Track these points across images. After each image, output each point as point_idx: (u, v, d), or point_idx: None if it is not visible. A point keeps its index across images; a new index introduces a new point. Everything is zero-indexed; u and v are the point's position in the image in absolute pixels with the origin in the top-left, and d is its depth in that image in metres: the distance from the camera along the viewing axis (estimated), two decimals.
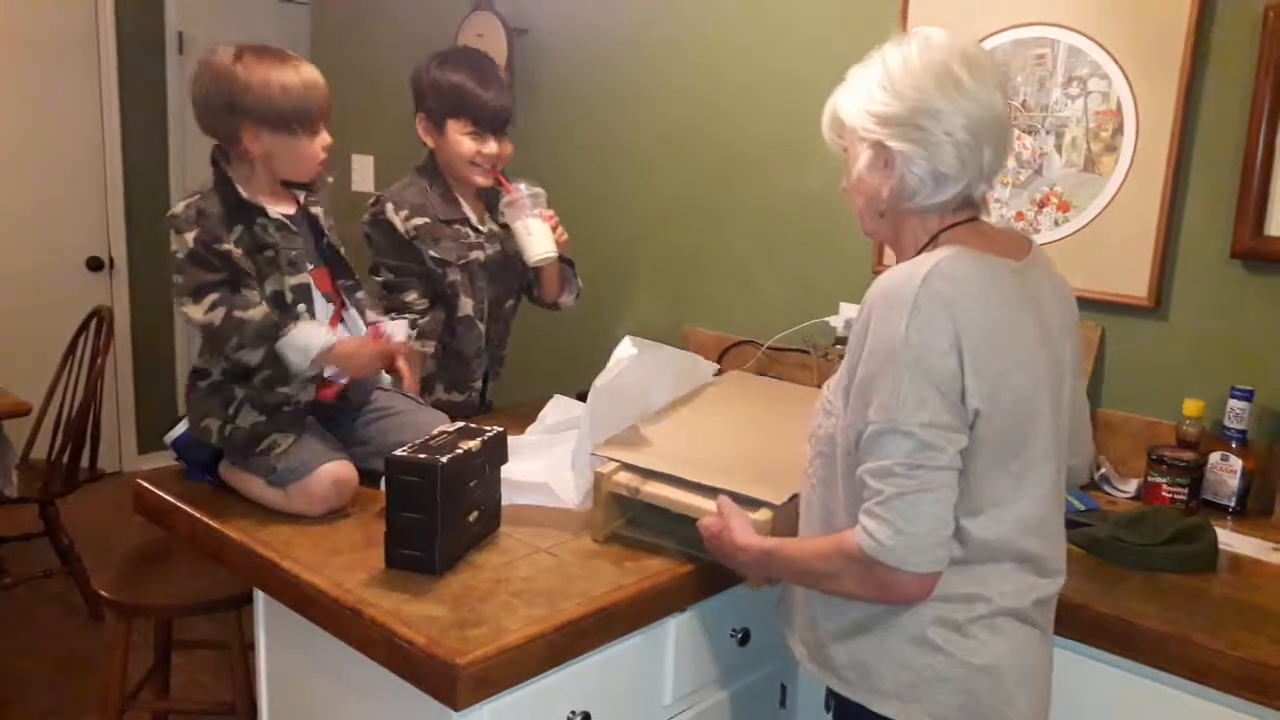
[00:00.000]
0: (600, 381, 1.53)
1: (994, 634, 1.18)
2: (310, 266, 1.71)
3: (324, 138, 1.69)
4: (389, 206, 2.04)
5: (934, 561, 1.12)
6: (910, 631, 1.18)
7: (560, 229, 2.09)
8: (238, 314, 1.56)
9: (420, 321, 2.06)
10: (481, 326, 2.14)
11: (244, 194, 1.64)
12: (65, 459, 3.15)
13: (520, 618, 1.30)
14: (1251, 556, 1.64)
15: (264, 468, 1.61)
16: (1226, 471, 1.83)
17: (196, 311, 1.57)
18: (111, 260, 4.29)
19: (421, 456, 1.39)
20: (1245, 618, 1.42)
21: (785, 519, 1.43)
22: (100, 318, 3.28)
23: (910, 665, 1.19)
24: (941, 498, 1.11)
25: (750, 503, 1.44)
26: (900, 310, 1.11)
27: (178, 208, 1.61)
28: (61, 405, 3.20)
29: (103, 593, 2.01)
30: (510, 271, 2.18)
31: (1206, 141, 1.88)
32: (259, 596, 1.58)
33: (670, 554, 1.51)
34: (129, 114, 4.25)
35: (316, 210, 1.78)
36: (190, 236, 1.58)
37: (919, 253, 1.22)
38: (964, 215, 1.24)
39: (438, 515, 1.38)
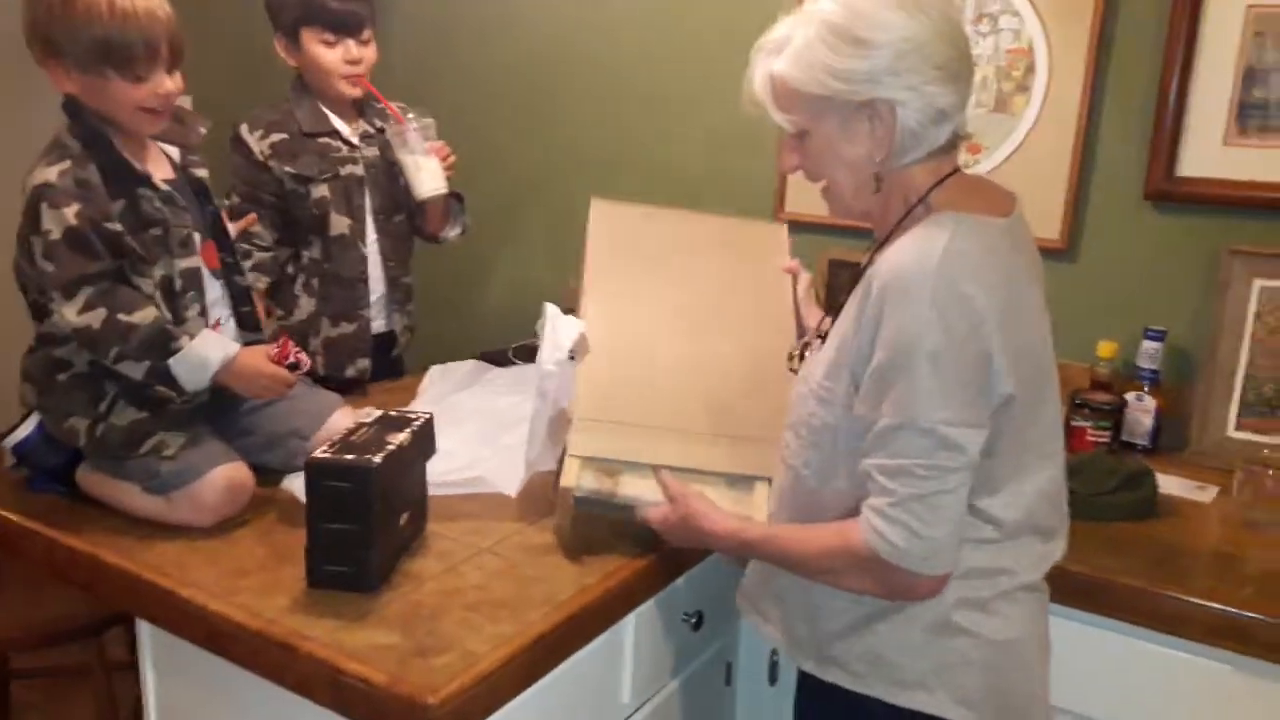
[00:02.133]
0: (549, 361, 1.33)
1: (1013, 606, 1.12)
2: (198, 241, 1.45)
3: (157, 83, 1.34)
4: (244, 127, 1.92)
5: (951, 562, 1.06)
6: (931, 618, 1.10)
7: (450, 157, 1.97)
8: (121, 317, 1.29)
9: (258, 255, 1.93)
10: (363, 248, 2.00)
11: (129, 157, 1.35)
12: None
13: (486, 637, 1.13)
14: (1182, 497, 1.65)
15: (143, 472, 1.36)
16: (1141, 411, 1.85)
17: (69, 311, 1.29)
18: None
19: (349, 458, 1.18)
20: (1202, 563, 1.43)
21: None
22: None
23: (931, 652, 1.10)
24: (959, 497, 1.04)
25: (744, 481, 1.34)
26: (916, 300, 1.01)
27: (49, 174, 1.29)
28: None
29: None
30: (395, 181, 2.03)
31: (1119, 81, 1.86)
32: (144, 628, 1.33)
33: (623, 543, 1.37)
34: None
35: (201, 173, 1.51)
36: (71, 213, 1.28)
37: (907, 214, 1.12)
38: (949, 164, 1.15)
39: (372, 524, 1.19)
